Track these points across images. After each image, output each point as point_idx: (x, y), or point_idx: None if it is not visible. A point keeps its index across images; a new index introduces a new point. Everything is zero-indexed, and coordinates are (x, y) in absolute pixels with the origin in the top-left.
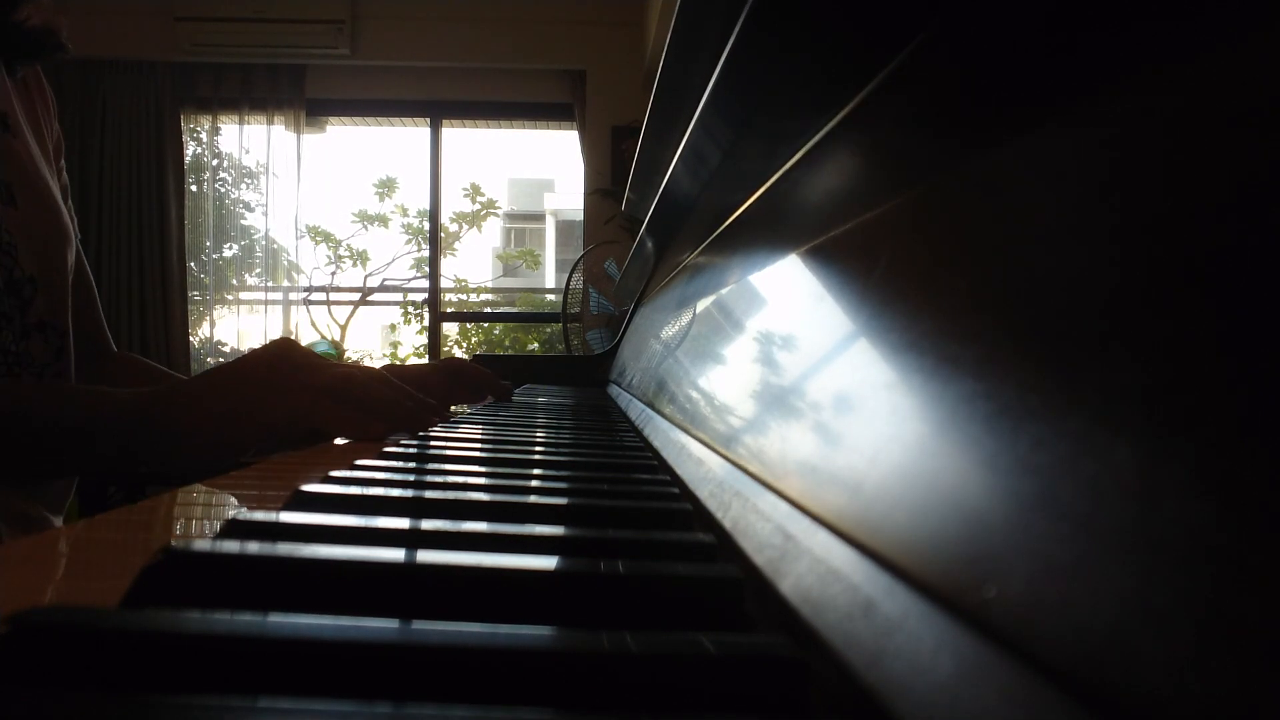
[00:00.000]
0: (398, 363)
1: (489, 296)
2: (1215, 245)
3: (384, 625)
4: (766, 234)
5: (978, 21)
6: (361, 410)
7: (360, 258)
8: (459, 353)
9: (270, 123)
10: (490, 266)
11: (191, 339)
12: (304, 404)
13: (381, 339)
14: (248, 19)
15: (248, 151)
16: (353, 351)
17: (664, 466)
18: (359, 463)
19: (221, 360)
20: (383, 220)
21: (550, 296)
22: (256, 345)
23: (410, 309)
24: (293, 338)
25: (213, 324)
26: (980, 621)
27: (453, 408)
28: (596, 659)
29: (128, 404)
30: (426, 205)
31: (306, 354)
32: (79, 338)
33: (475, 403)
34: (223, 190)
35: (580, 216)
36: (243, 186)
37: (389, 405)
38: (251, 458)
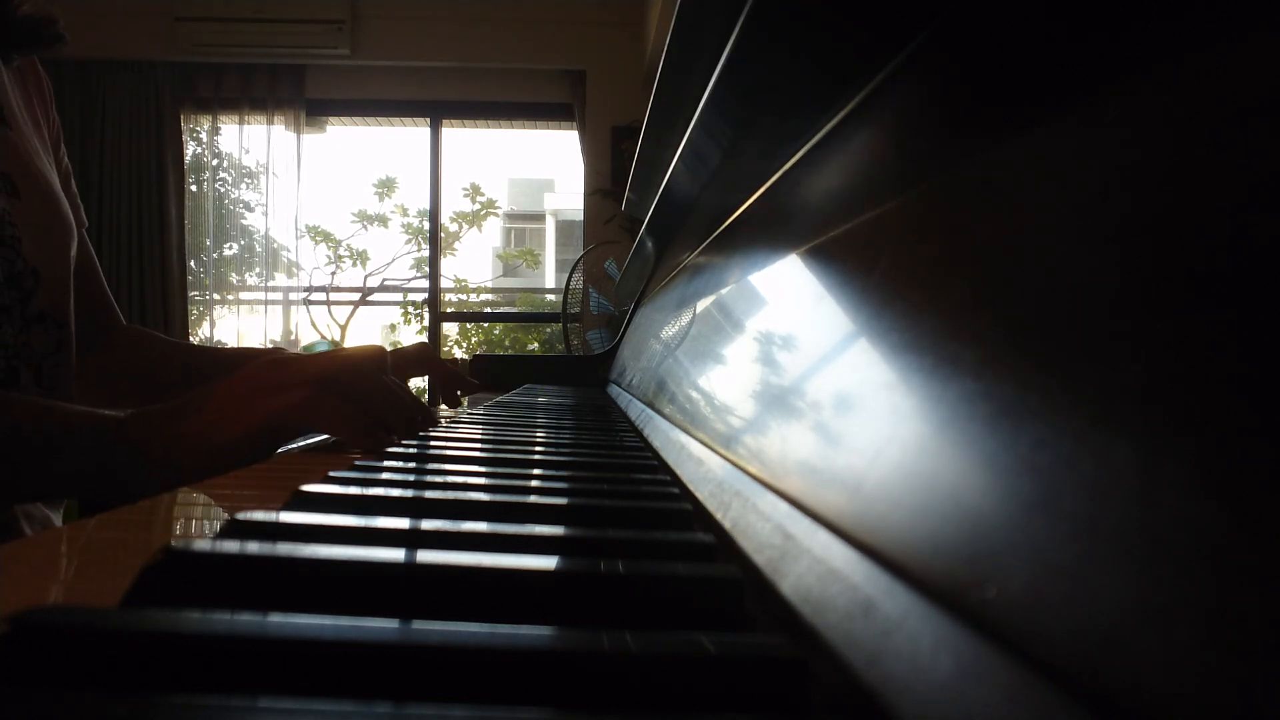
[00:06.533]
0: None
1: (489, 296)
2: (1215, 245)
3: (384, 625)
4: (766, 234)
5: (976, 23)
6: (355, 406)
7: (360, 258)
8: (459, 353)
9: (270, 123)
10: (490, 266)
11: (191, 338)
12: (295, 400)
13: (382, 339)
14: (248, 19)
15: (248, 151)
16: None
17: (664, 466)
18: (359, 462)
19: None
20: (383, 220)
21: (550, 296)
22: (256, 345)
23: (410, 309)
24: (281, 347)
25: (213, 324)
26: (980, 621)
27: (457, 408)
28: (597, 659)
29: (103, 421)
30: (426, 205)
31: (294, 355)
32: (86, 310)
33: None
34: (223, 190)
35: (580, 216)
36: (243, 186)
37: (381, 400)
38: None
